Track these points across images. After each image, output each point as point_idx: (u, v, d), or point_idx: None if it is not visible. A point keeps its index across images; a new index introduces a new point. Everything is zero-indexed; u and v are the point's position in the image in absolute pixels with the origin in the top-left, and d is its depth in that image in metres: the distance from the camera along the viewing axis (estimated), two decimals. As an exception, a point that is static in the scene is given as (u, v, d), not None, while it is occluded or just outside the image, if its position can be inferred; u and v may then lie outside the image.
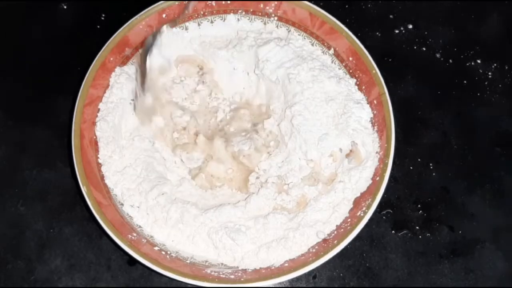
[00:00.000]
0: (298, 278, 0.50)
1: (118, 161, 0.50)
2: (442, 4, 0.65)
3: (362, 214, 0.45)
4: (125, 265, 0.50)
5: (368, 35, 0.61)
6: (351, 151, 0.50)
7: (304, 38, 0.55)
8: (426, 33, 0.63)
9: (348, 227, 0.45)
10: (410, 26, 0.63)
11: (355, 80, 0.53)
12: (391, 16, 0.64)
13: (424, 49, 0.62)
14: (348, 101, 0.51)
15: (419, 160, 0.56)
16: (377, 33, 0.62)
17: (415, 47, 0.62)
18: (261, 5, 0.56)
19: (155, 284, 0.49)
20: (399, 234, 0.52)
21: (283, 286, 0.50)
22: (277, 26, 0.56)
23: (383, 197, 0.46)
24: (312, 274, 0.50)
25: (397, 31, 0.63)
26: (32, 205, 0.52)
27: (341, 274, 0.50)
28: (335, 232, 0.46)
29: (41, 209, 0.52)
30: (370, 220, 0.45)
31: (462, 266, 0.51)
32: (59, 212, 0.52)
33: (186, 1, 0.55)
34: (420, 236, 0.52)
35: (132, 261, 0.50)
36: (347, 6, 0.63)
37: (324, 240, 0.46)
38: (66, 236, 0.51)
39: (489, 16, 0.65)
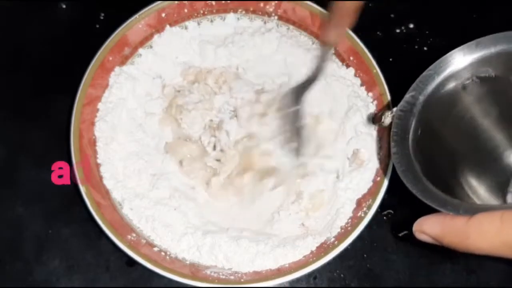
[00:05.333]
0: (298, 279, 0.49)
1: (117, 162, 0.50)
2: (443, 4, 0.64)
3: (362, 215, 0.45)
4: (124, 266, 0.49)
5: (368, 35, 0.61)
6: (353, 153, 0.50)
7: (304, 37, 0.55)
8: (427, 32, 0.62)
9: (349, 228, 0.45)
10: (411, 26, 0.63)
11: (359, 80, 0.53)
12: (392, 16, 0.64)
13: (425, 48, 0.62)
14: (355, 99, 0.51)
15: (420, 160, 0.55)
16: (378, 33, 0.62)
17: (416, 47, 0.62)
18: (261, 4, 0.55)
19: (155, 285, 0.49)
20: (400, 235, 0.52)
21: (283, 286, 0.50)
22: (277, 25, 0.56)
23: (384, 198, 0.45)
24: (313, 275, 0.50)
25: (398, 31, 0.63)
26: (30, 206, 0.52)
27: (342, 275, 0.50)
28: (337, 233, 0.46)
29: (39, 209, 0.51)
30: (371, 220, 0.45)
31: (464, 266, 0.51)
32: (57, 213, 0.51)
33: (186, 1, 0.55)
34: (420, 237, 0.52)
35: (131, 262, 0.49)
36: (347, 6, 0.63)
37: (325, 241, 0.46)
38: (64, 237, 0.50)
39: (490, 16, 0.64)
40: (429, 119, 0.40)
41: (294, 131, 0.50)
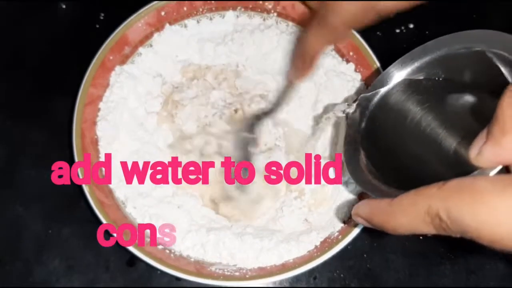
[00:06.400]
0: (298, 279, 0.50)
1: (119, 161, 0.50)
2: (443, 4, 0.64)
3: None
4: (124, 266, 0.49)
5: (368, 35, 0.61)
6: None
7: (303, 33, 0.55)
8: (427, 32, 0.62)
9: (352, 222, 0.46)
10: (411, 26, 0.63)
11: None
12: (392, 15, 0.64)
13: (425, 48, 0.62)
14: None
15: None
16: (378, 33, 0.62)
17: (416, 47, 0.62)
18: (260, 1, 0.56)
19: (155, 285, 0.49)
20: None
21: (283, 286, 0.50)
22: (276, 22, 0.56)
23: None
24: (313, 275, 0.50)
25: (398, 31, 0.63)
26: (30, 206, 0.52)
27: (342, 275, 0.50)
28: (340, 228, 0.47)
29: (39, 209, 0.51)
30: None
31: (463, 267, 0.51)
32: (57, 213, 0.51)
33: (186, 0, 0.55)
34: (421, 237, 0.52)
35: (131, 262, 0.49)
36: (347, 6, 0.63)
37: (329, 235, 0.46)
38: (64, 237, 0.50)
39: (490, 16, 0.64)
40: (382, 121, 0.41)
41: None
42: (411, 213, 0.28)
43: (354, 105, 0.43)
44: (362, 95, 0.42)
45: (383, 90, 0.41)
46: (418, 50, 0.41)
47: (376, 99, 0.42)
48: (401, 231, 0.30)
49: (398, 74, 0.41)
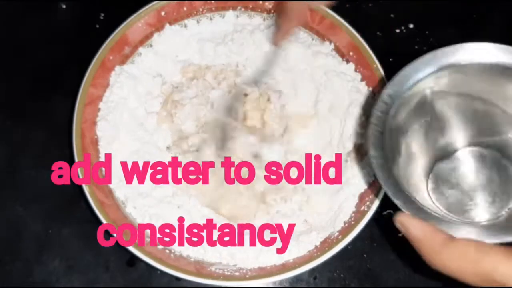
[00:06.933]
0: (298, 279, 0.49)
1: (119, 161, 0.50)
2: (443, 4, 0.64)
3: (366, 209, 0.46)
4: (124, 266, 0.49)
5: (369, 35, 0.61)
6: (354, 147, 0.50)
7: (304, 33, 0.56)
8: (427, 32, 0.62)
9: (353, 222, 0.46)
10: (411, 26, 0.63)
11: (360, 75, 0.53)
12: (392, 16, 0.64)
13: (425, 48, 0.61)
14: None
15: (420, 159, 0.55)
16: (378, 33, 0.62)
17: (416, 47, 0.62)
18: (260, 2, 0.56)
19: (155, 285, 0.49)
20: (400, 235, 0.52)
21: (283, 286, 0.50)
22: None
23: (384, 197, 0.45)
24: (313, 275, 0.50)
25: (398, 31, 0.63)
26: (30, 206, 0.52)
27: (342, 275, 0.50)
28: (340, 228, 0.47)
29: (39, 209, 0.51)
30: (372, 220, 0.45)
31: (464, 267, 0.51)
32: (57, 213, 0.51)
33: (186, 0, 0.55)
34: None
35: (131, 262, 0.49)
36: (347, 6, 0.63)
37: (329, 236, 0.46)
38: (64, 237, 0.50)
39: (491, 16, 0.64)
40: (401, 118, 0.41)
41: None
42: (467, 265, 0.29)
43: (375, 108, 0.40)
44: (385, 95, 0.40)
45: (405, 88, 0.40)
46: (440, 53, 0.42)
47: (399, 97, 0.40)
48: (442, 270, 0.31)
49: (422, 74, 0.41)
